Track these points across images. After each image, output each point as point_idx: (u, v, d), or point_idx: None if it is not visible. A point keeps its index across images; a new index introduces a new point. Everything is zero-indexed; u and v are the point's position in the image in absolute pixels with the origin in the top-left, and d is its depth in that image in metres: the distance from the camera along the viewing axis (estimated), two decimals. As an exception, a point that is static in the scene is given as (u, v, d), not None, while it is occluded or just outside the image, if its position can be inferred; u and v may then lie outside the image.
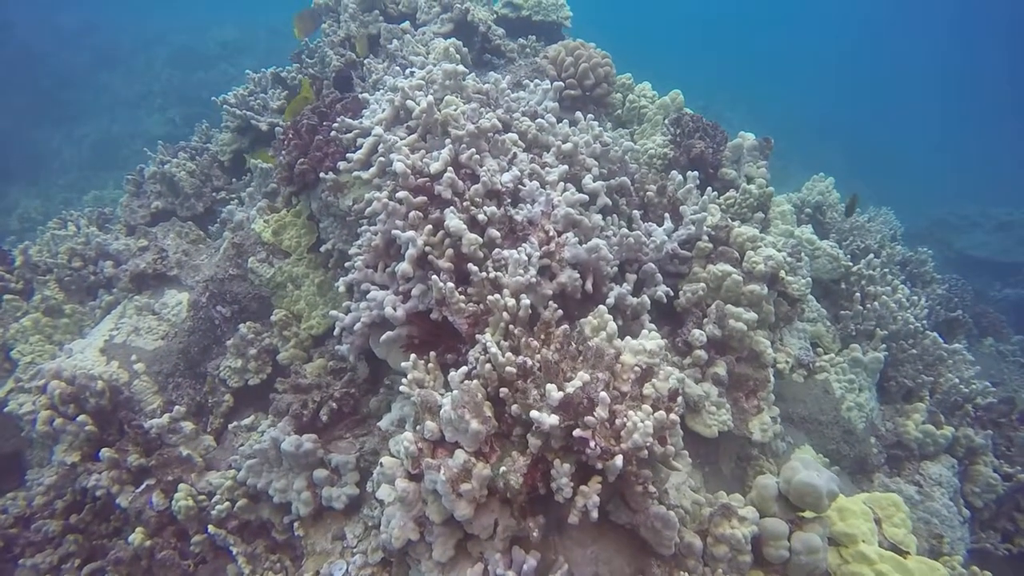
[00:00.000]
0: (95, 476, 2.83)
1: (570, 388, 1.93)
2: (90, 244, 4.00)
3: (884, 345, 3.44)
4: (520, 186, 2.62)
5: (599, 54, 3.86)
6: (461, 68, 2.93)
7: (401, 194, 2.43)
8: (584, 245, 2.61)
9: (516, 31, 4.59)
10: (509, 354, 2.17)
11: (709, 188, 3.16)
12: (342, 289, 2.75)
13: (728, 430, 2.70)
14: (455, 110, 2.67)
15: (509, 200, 2.58)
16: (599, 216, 2.77)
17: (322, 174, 3.09)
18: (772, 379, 2.77)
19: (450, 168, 2.49)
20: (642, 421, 1.90)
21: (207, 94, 14.10)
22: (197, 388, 3.39)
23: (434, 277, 2.33)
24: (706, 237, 2.91)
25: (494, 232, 2.47)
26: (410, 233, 2.37)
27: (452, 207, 2.48)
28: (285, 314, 3.34)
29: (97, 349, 3.26)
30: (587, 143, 2.91)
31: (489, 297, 2.29)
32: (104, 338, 3.33)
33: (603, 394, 1.91)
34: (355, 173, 2.92)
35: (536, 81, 3.26)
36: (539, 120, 2.94)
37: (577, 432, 1.88)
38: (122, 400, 3.13)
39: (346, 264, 2.79)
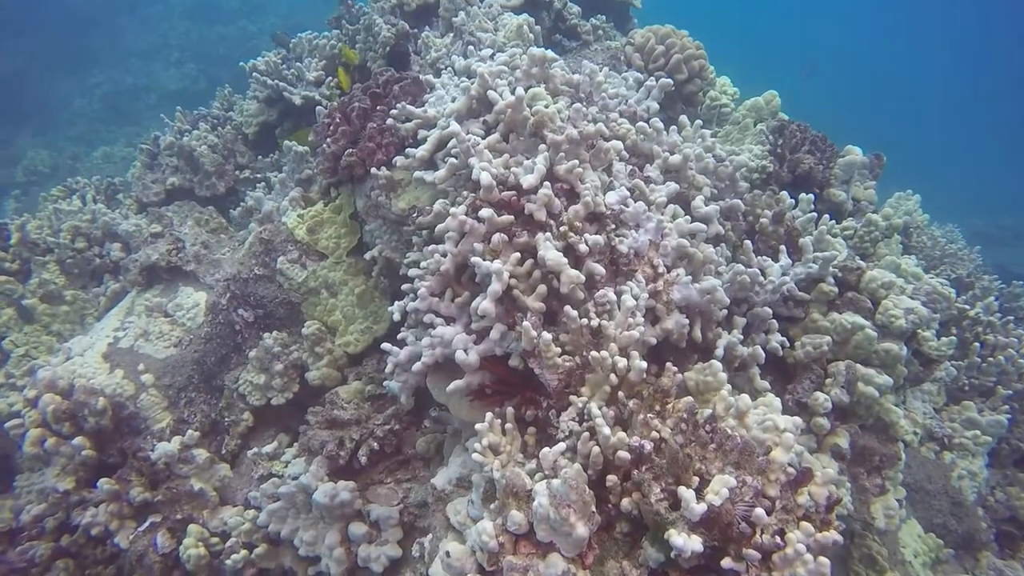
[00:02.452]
0: (91, 512, 2.40)
1: (714, 497, 1.48)
2: (96, 222, 3.53)
3: (1006, 407, 2.98)
4: (623, 207, 2.14)
5: (693, 44, 3.33)
6: (551, 54, 2.43)
7: (485, 212, 1.95)
8: (697, 285, 2.14)
9: (584, 8, 4.05)
10: (621, 434, 1.71)
11: (826, 216, 2.67)
12: (396, 317, 2.29)
13: (847, 514, 2.26)
14: (549, 107, 2.17)
15: (613, 226, 2.10)
16: (711, 248, 2.29)
17: (373, 169, 2.61)
18: (903, 455, 2.32)
19: (546, 183, 2.00)
20: (803, 546, 1.45)
21: (224, 51, 13.47)
22: (212, 404, 2.95)
23: (525, 324, 1.86)
24: (831, 279, 2.43)
25: (597, 268, 1.99)
26: (496, 265, 1.90)
27: (546, 232, 2.00)
28: (318, 327, 2.88)
29: (100, 354, 2.81)
30: (698, 156, 2.42)
31: (592, 354, 1.83)
32: (108, 341, 2.88)
33: (760, 512, 1.46)
34: (415, 173, 2.43)
35: (631, 72, 2.75)
36: (641, 124, 2.44)
37: (729, 565, 1.43)
38: (126, 417, 2.70)
39: (403, 287, 2.32)
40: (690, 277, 2.15)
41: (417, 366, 2.13)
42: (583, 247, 1.98)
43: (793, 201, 2.71)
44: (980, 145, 24.58)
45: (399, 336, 2.32)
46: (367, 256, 2.82)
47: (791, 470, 1.61)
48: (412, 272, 2.23)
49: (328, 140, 2.66)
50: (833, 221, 2.73)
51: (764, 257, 2.48)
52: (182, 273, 3.08)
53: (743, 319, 2.37)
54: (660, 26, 3.40)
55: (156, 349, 2.84)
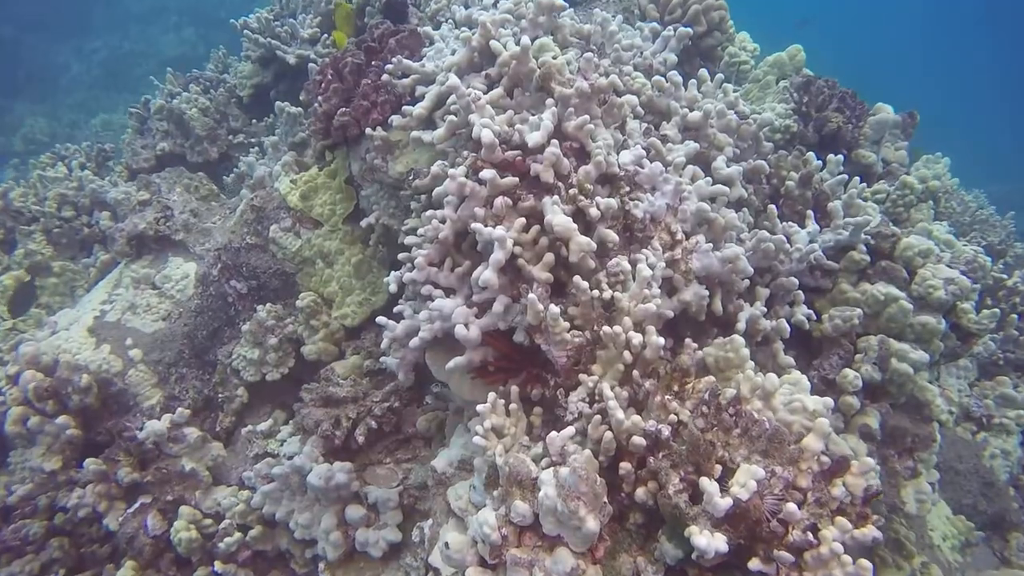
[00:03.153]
0: (77, 493, 2.29)
1: (740, 490, 1.33)
2: (83, 190, 3.37)
3: (1043, 382, 2.81)
4: (638, 168, 1.95)
5: (712, -7, 3.09)
6: (559, 2, 2.21)
7: (487, 173, 1.77)
8: (718, 253, 1.96)
9: None
10: (635, 417, 1.55)
11: (857, 179, 2.46)
12: (393, 288, 2.13)
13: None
14: (557, 58, 1.97)
15: (627, 189, 1.91)
16: (733, 213, 2.10)
17: (368, 129, 2.42)
18: (938, 437, 2.16)
19: (554, 141, 1.81)
20: (839, 544, 1.30)
21: (225, 14, 13.08)
22: (205, 379, 2.82)
23: (531, 296, 1.69)
24: (863, 247, 2.24)
25: (609, 234, 1.81)
26: (499, 231, 1.72)
27: (554, 195, 1.82)
28: (314, 299, 2.73)
29: (86, 328, 2.68)
30: (719, 113, 2.21)
31: (604, 329, 1.66)
32: (94, 314, 2.74)
33: (792, 507, 1.31)
34: (412, 133, 2.25)
35: (647, 23, 2.53)
36: (657, 78, 2.23)
37: (756, 566, 1.28)
38: (114, 394, 2.57)
39: (400, 256, 2.15)
40: (710, 245, 1.97)
41: (415, 342, 1.97)
42: (594, 211, 1.80)
43: (820, 163, 2.51)
44: (1001, 106, 23.71)
45: (396, 309, 2.16)
46: (363, 223, 2.65)
47: (825, 459, 1.45)
48: (409, 240, 2.06)
49: (319, 99, 2.47)
50: (864, 184, 2.52)
51: (790, 223, 2.29)
52: (171, 243, 2.93)
53: (766, 290, 2.19)
54: (677, -26, 3.14)
55: (144, 323, 2.70)
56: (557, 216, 1.75)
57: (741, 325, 2.03)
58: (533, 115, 2.02)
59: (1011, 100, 24.44)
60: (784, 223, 2.30)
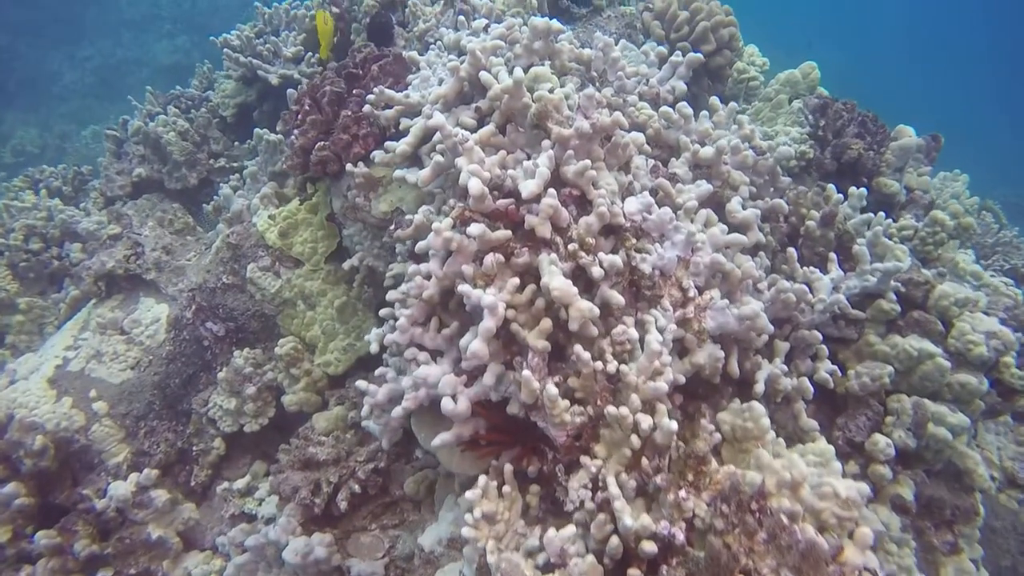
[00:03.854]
0: (27, 570, 2.08)
1: (771, 624, 1.12)
2: (53, 220, 3.17)
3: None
4: (646, 215, 1.75)
5: (721, 9, 2.88)
6: (556, 24, 2.00)
7: (475, 228, 1.57)
8: (735, 310, 1.75)
9: None
10: (645, 519, 1.35)
11: (882, 215, 2.25)
12: (374, 348, 1.92)
13: (909, 577, 1.91)
14: (554, 92, 1.76)
15: (633, 239, 1.71)
16: (751, 262, 1.89)
17: (349, 165, 2.22)
18: (981, 509, 1.95)
19: (551, 192, 1.61)
20: None
21: (219, 22, 12.90)
22: (178, 431, 2.62)
23: (525, 374, 1.49)
24: (892, 294, 2.04)
25: (614, 296, 1.61)
26: (489, 297, 1.52)
27: (551, 250, 1.62)
28: (294, 346, 2.53)
29: (45, 379, 2.47)
30: (734, 148, 2.01)
31: (608, 409, 1.46)
32: (56, 363, 2.54)
33: (835, 648, 1.10)
34: (396, 172, 2.05)
35: (650, 44, 2.32)
36: (665, 109, 2.02)
37: None
38: (76, 451, 2.37)
39: (381, 312, 1.95)
40: (725, 302, 1.76)
41: (397, 411, 1.77)
42: (597, 271, 1.60)
43: (842, 196, 2.30)
44: (1001, 108, 23.30)
45: (377, 372, 1.95)
46: (345, 266, 2.44)
47: None
48: (391, 295, 1.86)
49: (296, 132, 2.26)
50: (889, 220, 2.31)
51: (811, 268, 2.08)
52: (142, 282, 2.72)
53: (786, 344, 1.99)
54: (683, -12, 2.93)
55: (111, 372, 2.50)
56: (555, 279, 1.54)
57: (760, 387, 1.82)
58: (527, 155, 1.82)
59: (1012, 98, 24.06)
60: (805, 267, 2.09)
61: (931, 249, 2.38)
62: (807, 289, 1.94)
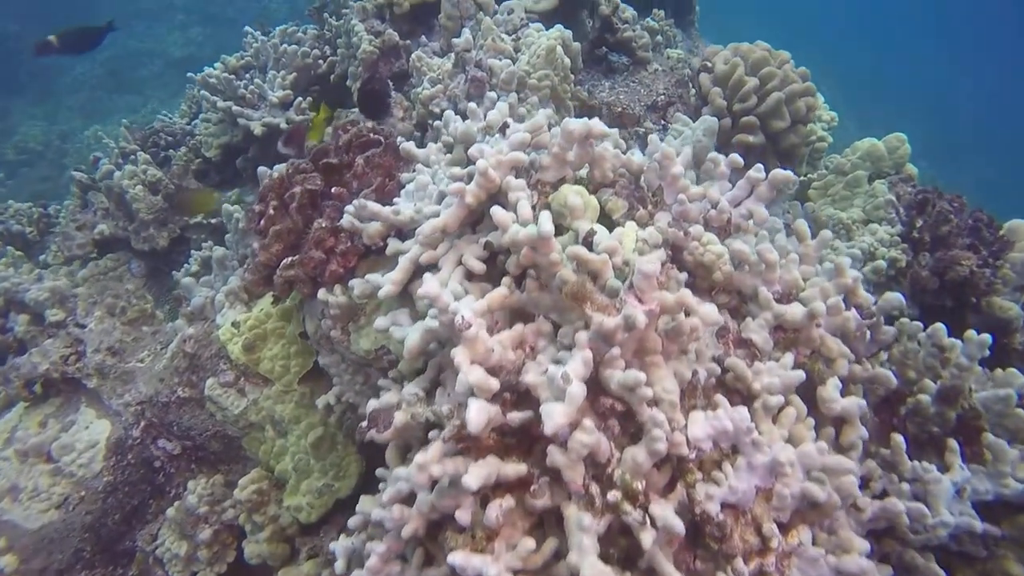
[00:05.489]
0: None
1: None
2: (-4, 289, 2.72)
3: None
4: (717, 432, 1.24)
5: (797, 74, 2.33)
6: (597, 127, 1.48)
7: (474, 476, 1.07)
8: (832, 558, 1.25)
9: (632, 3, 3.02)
10: None
11: (1014, 370, 1.71)
12: (339, 568, 1.44)
13: None
14: (599, 254, 1.25)
15: (698, 475, 1.20)
16: (852, 480, 1.37)
17: (323, 292, 1.74)
18: None
19: (587, 423, 1.10)
20: None
21: (234, 12, 12.43)
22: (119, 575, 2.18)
23: None
24: (1039, 508, 1.51)
25: (668, 571, 1.11)
26: (491, 570, 1.03)
27: (582, 507, 1.12)
28: (257, 488, 2.07)
29: (-50, 522, 2.03)
30: (833, 307, 1.48)
31: None
32: (-34, 499, 2.09)
33: None
34: (378, 321, 1.55)
35: (719, 157, 1.80)
36: (740, 247, 1.50)
37: None
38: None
39: (350, 522, 1.46)
40: (820, 550, 1.25)
41: None
42: (647, 539, 1.09)
43: (958, 341, 1.75)
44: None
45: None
46: (320, 404, 1.96)
47: None
48: (352, 523, 1.37)
49: (256, 245, 1.78)
50: None
51: (924, 464, 1.56)
52: (82, 388, 2.27)
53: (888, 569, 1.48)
54: (749, 45, 2.39)
55: (28, 515, 2.05)
56: (587, 559, 1.05)
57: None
58: (553, 325, 1.32)
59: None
60: (916, 463, 1.57)
61: (1073, 419, 1.83)
62: (926, 510, 1.43)
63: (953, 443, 1.59)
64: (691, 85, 2.66)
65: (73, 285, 2.57)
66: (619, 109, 2.42)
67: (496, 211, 1.34)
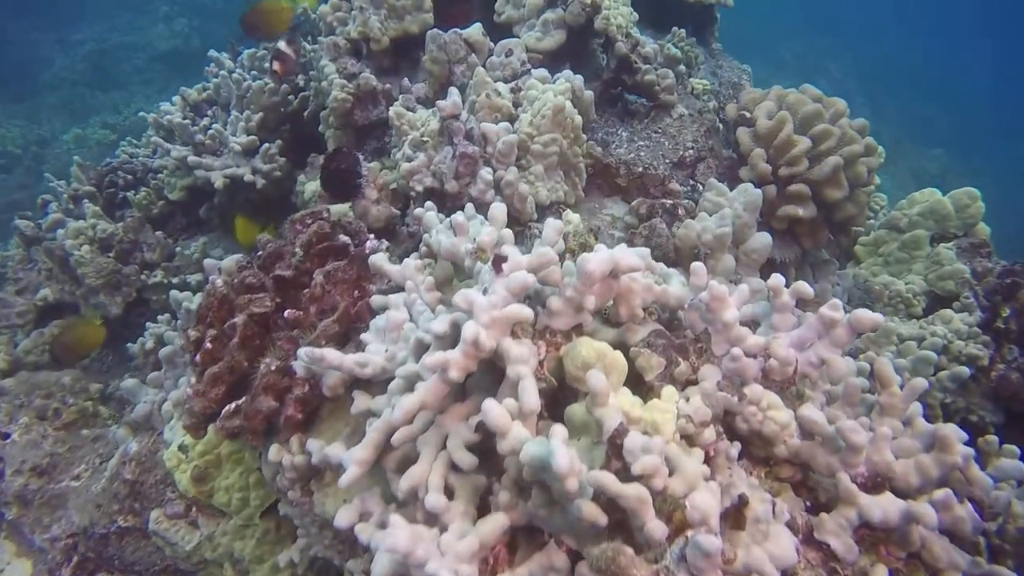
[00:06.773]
0: None
1: None
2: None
3: None
4: None
5: (855, 129, 1.92)
6: (626, 260, 1.11)
7: None
8: None
9: (647, 17, 2.60)
10: None
11: None
12: None
13: None
14: (634, 484, 0.88)
15: None
16: None
17: (275, 449, 1.37)
18: None
19: None
20: None
21: (222, 3, 11.87)
22: None
23: None
24: None
25: None
26: None
27: None
28: (209, 650, 1.73)
29: None
30: (944, 503, 1.11)
31: None
32: None
33: None
34: (340, 519, 1.19)
35: (767, 283, 1.43)
36: (811, 414, 1.13)
37: None
38: None
39: None
40: None
41: None
42: None
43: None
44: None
45: None
46: (282, 561, 1.61)
47: None
48: None
49: (191, 387, 1.40)
50: None
51: None
52: (2, 518, 1.92)
53: None
54: (796, 94, 1.97)
55: None
56: None
57: None
58: (569, 562, 0.96)
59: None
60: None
61: None
62: None
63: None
64: (722, 130, 2.26)
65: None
66: (639, 169, 2.02)
67: (490, 410, 0.97)
